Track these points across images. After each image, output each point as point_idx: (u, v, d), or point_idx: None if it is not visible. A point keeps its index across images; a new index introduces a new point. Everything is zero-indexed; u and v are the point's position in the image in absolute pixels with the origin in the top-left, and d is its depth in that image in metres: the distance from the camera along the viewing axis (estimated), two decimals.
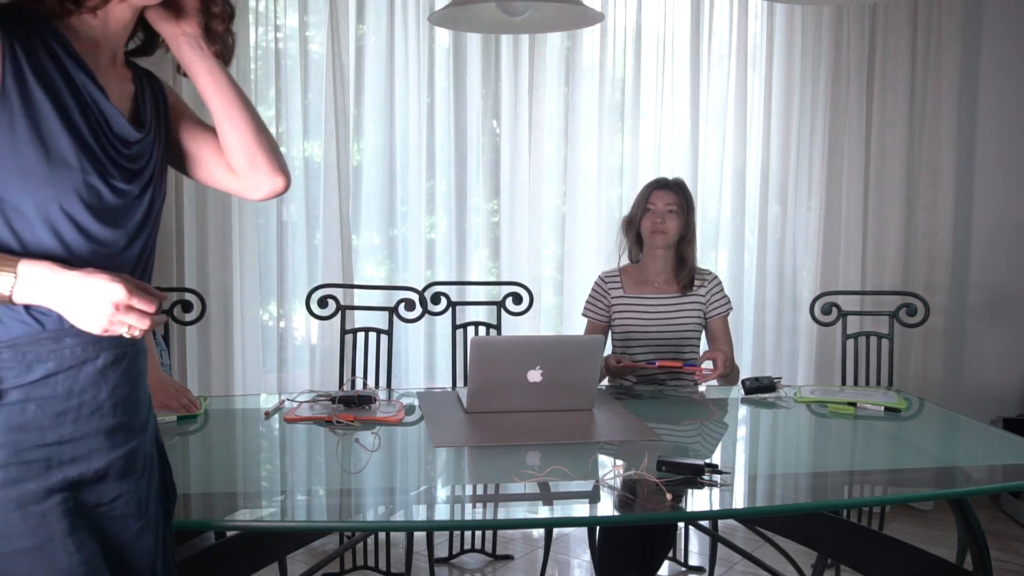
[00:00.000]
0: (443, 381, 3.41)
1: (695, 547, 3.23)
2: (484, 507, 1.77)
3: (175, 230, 3.19)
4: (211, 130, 1.41)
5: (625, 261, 2.82)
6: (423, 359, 3.50)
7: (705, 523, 2.95)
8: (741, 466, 1.97)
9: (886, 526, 3.26)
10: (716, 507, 1.75)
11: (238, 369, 3.32)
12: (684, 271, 2.72)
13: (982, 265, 3.81)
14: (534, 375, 2.15)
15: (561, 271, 3.57)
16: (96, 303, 1.12)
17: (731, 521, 3.29)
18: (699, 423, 2.31)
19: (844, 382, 3.05)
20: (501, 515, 1.74)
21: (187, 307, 2.91)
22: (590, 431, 2.09)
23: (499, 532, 3.25)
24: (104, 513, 1.25)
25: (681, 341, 2.71)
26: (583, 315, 2.83)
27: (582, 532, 3.23)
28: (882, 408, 2.32)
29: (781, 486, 1.85)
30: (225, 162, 1.40)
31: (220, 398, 2.84)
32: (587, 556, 3.00)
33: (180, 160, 1.44)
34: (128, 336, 1.16)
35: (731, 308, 2.79)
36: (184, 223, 3.21)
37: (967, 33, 3.63)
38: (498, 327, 3.05)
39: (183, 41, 1.35)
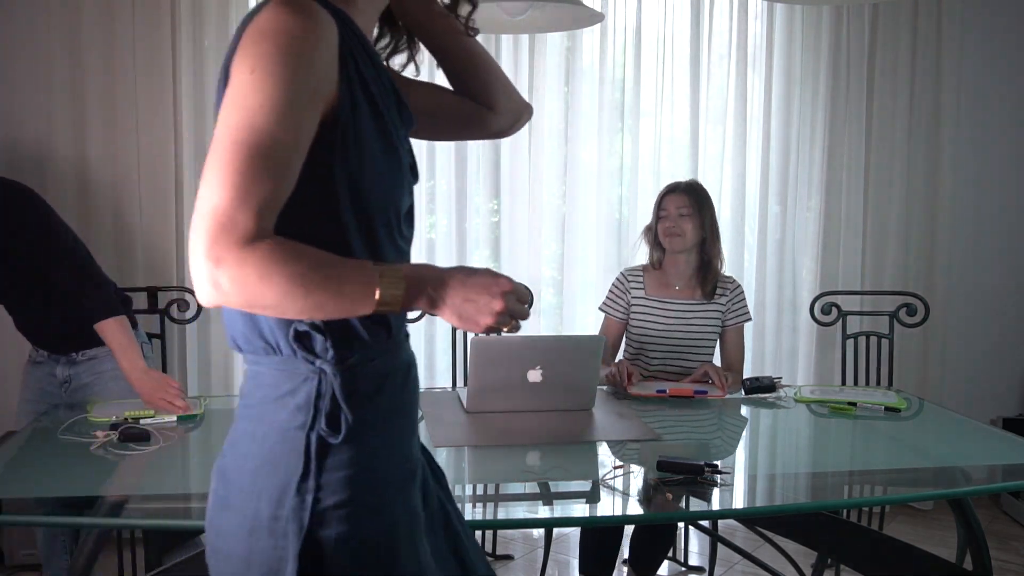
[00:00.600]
0: (443, 381, 3.40)
1: (695, 547, 3.23)
2: (484, 507, 1.77)
3: (175, 230, 3.19)
4: (437, 86, 1.43)
5: (645, 262, 2.79)
6: (423, 359, 3.49)
7: (705, 523, 2.95)
8: (741, 466, 1.97)
9: (886, 526, 3.26)
10: (716, 507, 1.75)
11: (238, 369, 3.32)
12: (709, 276, 2.68)
13: (982, 265, 3.81)
14: (534, 375, 2.15)
15: (561, 271, 3.57)
16: (487, 299, 1.03)
17: (731, 521, 3.29)
18: (699, 423, 2.31)
19: (844, 382, 3.05)
20: (501, 515, 1.75)
21: (183, 306, 2.91)
22: (590, 431, 2.09)
23: (499, 532, 3.25)
24: (438, 529, 1.21)
25: (697, 348, 2.68)
26: (600, 309, 2.80)
27: None
28: (882, 408, 2.32)
29: (781, 486, 1.85)
30: (471, 109, 1.41)
31: (220, 398, 2.84)
32: None
33: (423, 126, 1.37)
34: (506, 331, 1.08)
35: (749, 318, 2.74)
36: (185, 223, 3.20)
37: (967, 33, 3.62)
38: None
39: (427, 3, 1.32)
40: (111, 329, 2.26)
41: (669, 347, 2.68)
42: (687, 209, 2.65)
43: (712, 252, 2.67)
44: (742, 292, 2.74)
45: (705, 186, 3.55)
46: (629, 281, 2.75)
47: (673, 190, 2.70)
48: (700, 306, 2.68)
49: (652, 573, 2.67)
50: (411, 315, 2.88)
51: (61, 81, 3.07)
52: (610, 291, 2.78)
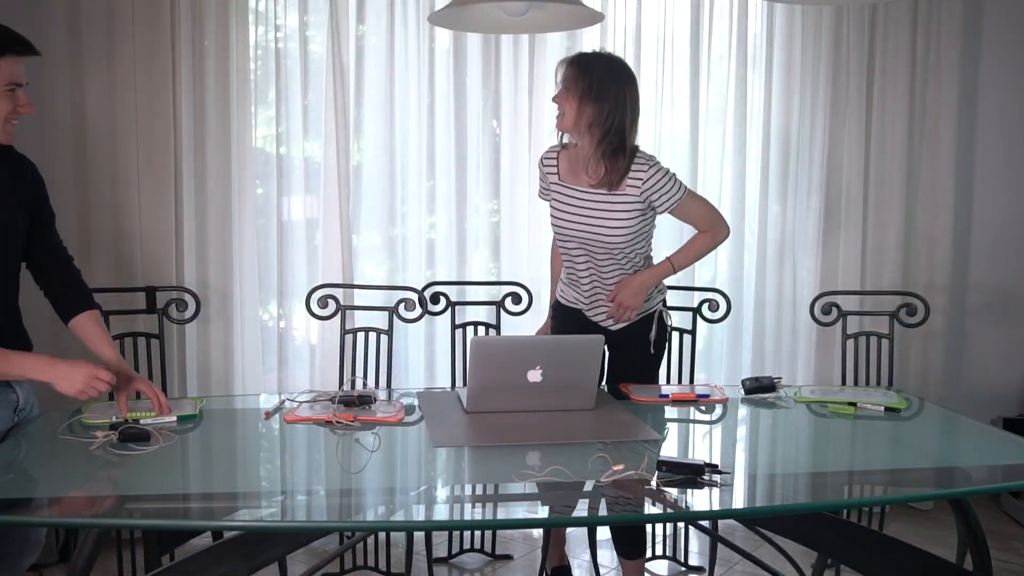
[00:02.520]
0: (443, 381, 3.40)
1: (695, 547, 3.23)
2: (484, 507, 1.77)
3: (175, 230, 3.19)
4: None
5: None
6: (423, 359, 3.49)
7: (705, 523, 2.94)
8: (741, 466, 1.97)
9: (886, 526, 3.26)
10: (716, 507, 1.75)
11: (238, 369, 3.32)
12: (614, 165, 2.38)
13: (982, 265, 3.81)
14: (534, 375, 2.15)
15: None
16: None
17: (731, 521, 3.29)
18: (699, 423, 2.31)
19: (844, 382, 3.05)
20: (501, 515, 1.74)
21: (181, 306, 2.91)
22: (590, 431, 2.09)
23: (499, 532, 3.25)
24: None
25: (615, 243, 2.45)
26: (539, 197, 2.67)
27: (582, 532, 3.23)
28: (882, 408, 2.32)
29: (781, 486, 1.85)
30: None
31: (220, 398, 2.84)
32: (587, 556, 3.00)
33: None
34: None
35: (683, 193, 2.42)
36: (184, 223, 3.21)
37: (967, 33, 3.63)
38: (498, 327, 3.05)
39: None
40: (99, 318, 2.22)
41: (586, 241, 2.48)
42: (566, 81, 2.35)
43: (616, 138, 2.36)
44: (657, 172, 2.40)
45: (705, 186, 3.58)
46: (546, 166, 2.56)
47: (563, 60, 2.41)
48: (607, 198, 2.42)
49: (641, 553, 2.68)
50: (410, 315, 2.90)
51: (60, 80, 3.07)
52: (539, 176, 2.63)
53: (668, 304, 2.71)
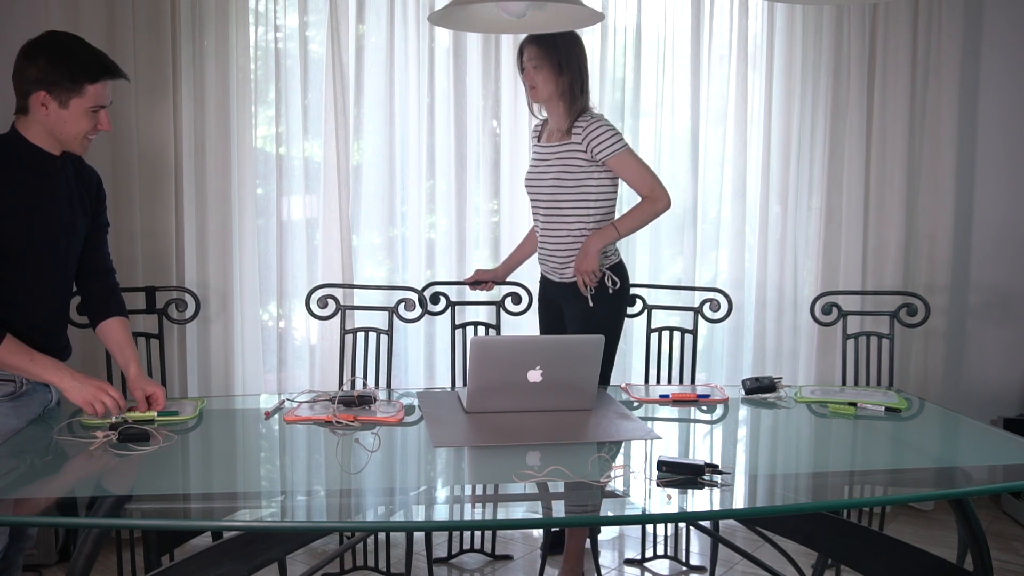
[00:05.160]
0: (443, 381, 3.40)
1: (695, 547, 3.23)
2: (484, 507, 1.77)
3: (175, 230, 3.19)
4: None
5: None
6: (423, 359, 3.49)
7: (706, 523, 2.94)
8: (741, 466, 1.97)
9: (886, 526, 3.26)
10: (716, 507, 1.75)
11: (238, 369, 3.32)
12: (572, 117, 2.70)
13: (982, 265, 3.81)
14: (534, 375, 2.15)
15: None
16: None
17: (731, 521, 3.29)
18: (699, 423, 2.31)
19: (844, 382, 3.05)
20: (501, 515, 1.74)
21: (181, 306, 2.91)
22: (590, 431, 2.09)
23: (499, 532, 3.25)
24: None
25: (559, 188, 2.74)
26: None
27: None
28: (882, 408, 2.32)
29: (781, 486, 1.85)
30: None
31: (220, 398, 2.84)
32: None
33: None
34: None
35: (621, 146, 2.68)
36: (184, 223, 3.20)
37: (967, 33, 3.62)
38: (498, 327, 3.05)
39: None
40: (127, 325, 2.27)
41: (536, 190, 2.81)
42: (536, 60, 2.69)
43: (575, 94, 2.69)
44: (599, 124, 2.68)
45: (705, 186, 3.58)
46: (533, 136, 2.92)
47: (527, 41, 2.72)
48: (554, 147, 2.75)
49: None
50: (410, 315, 2.90)
51: None
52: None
53: (668, 304, 2.75)
